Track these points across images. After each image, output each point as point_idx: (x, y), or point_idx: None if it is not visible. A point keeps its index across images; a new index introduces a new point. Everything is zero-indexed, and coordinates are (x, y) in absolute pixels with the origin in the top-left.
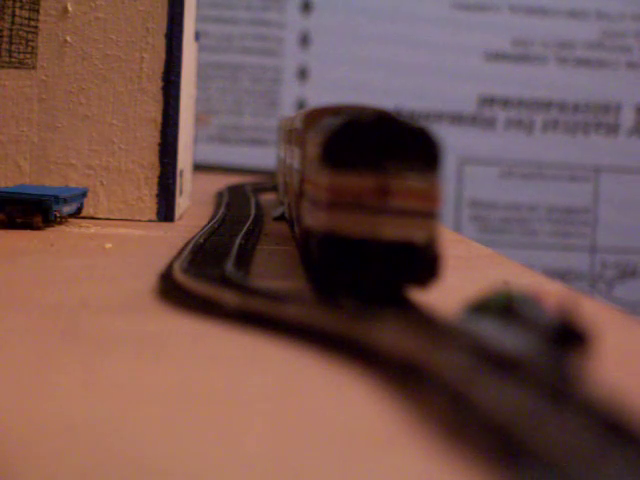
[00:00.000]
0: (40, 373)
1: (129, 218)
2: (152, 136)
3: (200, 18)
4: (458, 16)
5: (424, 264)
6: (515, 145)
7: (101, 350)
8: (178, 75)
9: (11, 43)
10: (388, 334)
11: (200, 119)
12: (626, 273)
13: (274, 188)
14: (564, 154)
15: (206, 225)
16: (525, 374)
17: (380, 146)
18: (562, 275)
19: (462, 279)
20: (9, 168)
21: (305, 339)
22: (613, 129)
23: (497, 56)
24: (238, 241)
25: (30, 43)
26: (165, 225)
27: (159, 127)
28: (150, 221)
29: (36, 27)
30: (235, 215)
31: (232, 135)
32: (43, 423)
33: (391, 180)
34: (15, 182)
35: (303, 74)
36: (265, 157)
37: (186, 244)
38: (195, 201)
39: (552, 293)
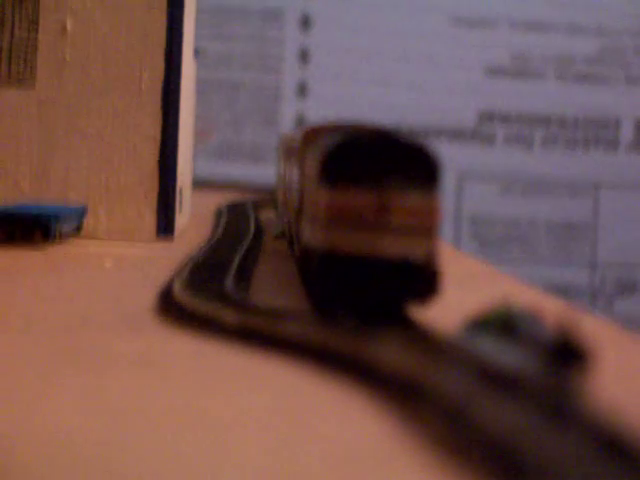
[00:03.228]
0: (39, 392)
1: (128, 236)
2: (151, 153)
3: (199, 35)
4: (457, 32)
5: (423, 281)
6: (515, 160)
7: (101, 368)
8: (177, 92)
9: (10, 61)
10: (388, 352)
11: (199, 135)
12: (626, 289)
13: (274, 205)
14: (564, 170)
15: (206, 242)
16: (525, 391)
17: (379, 163)
18: (562, 291)
19: (461, 296)
20: (8, 186)
21: (305, 357)
22: (613, 145)
23: (496, 71)
24: (237, 258)
25: (29, 61)
26: (165, 242)
27: (158, 144)
28: (150, 239)
29: (35, 45)
30: (234, 232)
31: (231, 152)
32: (42, 443)
33: (390, 197)
34: (14, 200)
35: (302, 91)
36: (264, 174)
37: (185, 262)
38: (194, 218)
39: (552, 310)
